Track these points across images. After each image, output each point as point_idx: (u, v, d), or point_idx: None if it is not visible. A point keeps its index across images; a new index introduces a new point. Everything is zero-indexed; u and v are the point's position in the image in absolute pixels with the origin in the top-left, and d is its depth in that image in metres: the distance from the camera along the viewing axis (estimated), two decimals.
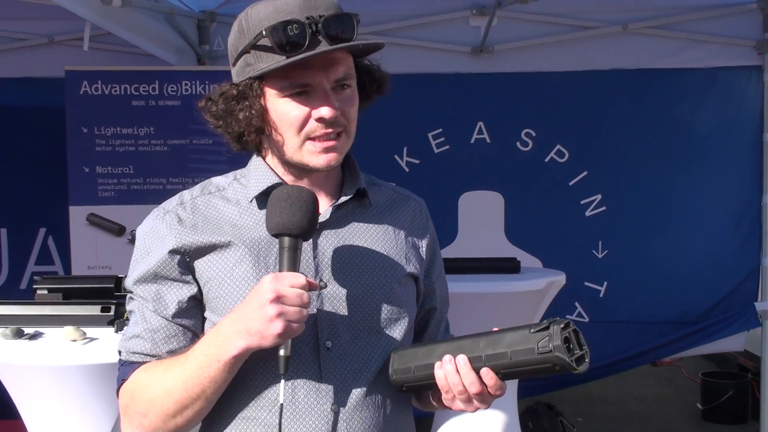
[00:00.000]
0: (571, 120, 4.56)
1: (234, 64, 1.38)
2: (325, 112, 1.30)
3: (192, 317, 1.37)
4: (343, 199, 1.41)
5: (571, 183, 4.58)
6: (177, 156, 4.12)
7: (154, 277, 1.36)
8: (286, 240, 1.26)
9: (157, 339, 1.35)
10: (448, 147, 4.59)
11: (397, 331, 1.40)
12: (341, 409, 1.33)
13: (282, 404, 1.28)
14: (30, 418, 2.40)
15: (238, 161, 1.49)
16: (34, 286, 2.72)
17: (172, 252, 1.35)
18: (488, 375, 1.24)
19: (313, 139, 1.33)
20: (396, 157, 4.59)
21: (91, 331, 2.42)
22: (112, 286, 2.66)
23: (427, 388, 1.34)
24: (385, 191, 1.51)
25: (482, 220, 4.58)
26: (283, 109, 1.32)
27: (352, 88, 1.36)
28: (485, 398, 1.27)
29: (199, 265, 1.36)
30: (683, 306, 4.61)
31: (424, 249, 1.50)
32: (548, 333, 1.19)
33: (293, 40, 1.26)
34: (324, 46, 1.27)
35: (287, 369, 1.25)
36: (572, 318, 4.58)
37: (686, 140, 4.56)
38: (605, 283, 4.60)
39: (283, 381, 1.26)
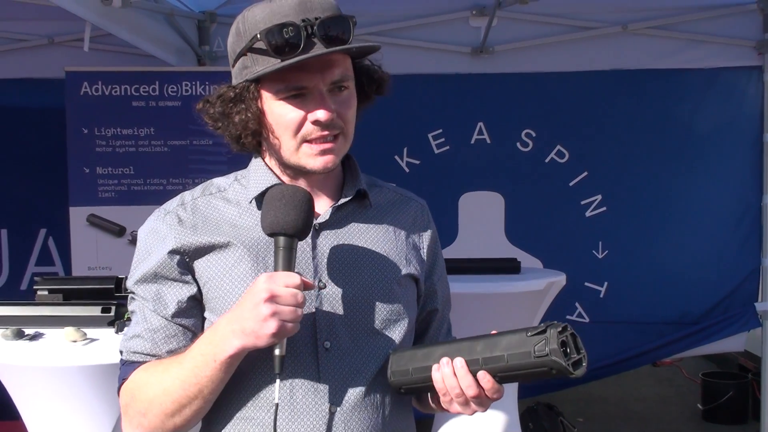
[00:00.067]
0: (571, 120, 4.56)
1: (233, 66, 1.38)
2: (321, 114, 1.30)
3: (192, 317, 1.38)
4: (343, 200, 1.41)
5: (571, 183, 4.58)
6: (177, 157, 4.12)
7: (155, 277, 1.37)
8: (281, 239, 1.26)
9: (157, 339, 1.36)
10: (448, 147, 4.59)
11: (397, 332, 1.40)
12: (339, 409, 1.33)
13: (277, 404, 1.28)
14: (30, 419, 2.40)
15: (239, 162, 1.49)
16: (35, 287, 2.72)
17: (172, 252, 1.36)
18: (485, 378, 1.24)
19: (309, 141, 1.33)
20: (396, 157, 4.59)
21: (91, 332, 2.42)
22: (113, 286, 2.66)
23: (426, 390, 1.34)
24: (386, 192, 1.51)
25: (482, 220, 4.58)
26: (279, 112, 1.32)
27: (350, 90, 1.35)
28: (483, 401, 1.27)
29: (199, 265, 1.37)
30: (683, 306, 4.61)
31: (425, 250, 1.50)
32: (545, 336, 1.18)
33: (288, 43, 1.27)
34: (319, 49, 1.27)
35: (282, 368, 1.25)
36: (572, 318, 4.59)
37: (686, 141, 4.56)
38: (605, 283, 4.60)
39: (278, 380, 1.26)
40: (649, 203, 4.57)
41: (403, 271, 1.42)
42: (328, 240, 1.39)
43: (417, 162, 4.60)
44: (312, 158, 1.34)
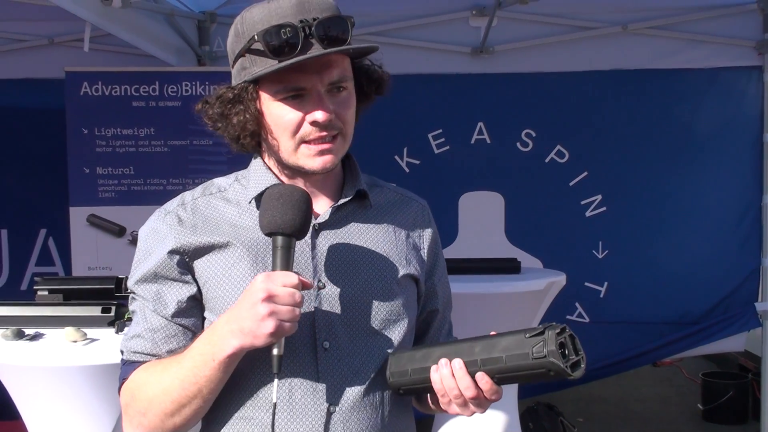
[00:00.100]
0: (571, 120, 4.56)
1: (233, 67, 1.38)
2: (319, 115, 1.30)
3: (191, 317, 1.38)
4: (343, 200, 1.41)
5: (571, 183, 4.58)
6: (177, 157, 4.12)
7: (155, 277, 1.37)
8: (279, 239, 1.26)
9: (157, 338, 1.36)
10: (448, 147, 4.59)
11: (396, 333, 1.39)
12: (338, 409, 1.33)
13: (275, 403, 1.28)
14: (30, 419, 2.40)
15: (239, 162, 1.49)
16: (35, 287, 2.72)
17: (172, 252, 1.36)
18: (483, 379, 1.24)
19: (307, 142, 1.33)
20: (396, 157, 4.59)
21: (91, 332, 2.42)
22: (113, 286, 2.66)
23: (425, 391, 1.34)
24: (387, 192, 1.51)
25: (482, 220, 4.58)
26: (277, 113, 1.33)
27: (348, 91, 1.35)
28: (481, 402, 1.27)
29: (199, 265, 1.37)
30: (684, 306, 4.61)
31: (425, 251, 1.50)
32: (543, 338, 1.18)
33: (285, 44, 1.27)
34: (317, 50, 1.27)
35: (280, 368, 1.25)
36: (572, 318, 4.59)
37: (686, 141, 4.56)
38: (605, 283, 4.60)
39: (276, 380, 1.27)
40: (649, 203, 4.57)
41: (403, 272, 1.42)
42: (327, 240, 1.39)
43: (417, 162, 4.60)
44: (310, 159, 1.34)
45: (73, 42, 4.32)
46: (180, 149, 4.12)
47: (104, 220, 4.08)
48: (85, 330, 2.40)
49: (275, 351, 1.24)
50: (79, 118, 4.06)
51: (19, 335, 2.40)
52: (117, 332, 2.44)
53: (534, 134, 4.56)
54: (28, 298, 2.87)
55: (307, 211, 1.28)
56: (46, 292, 2.68)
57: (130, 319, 2.44)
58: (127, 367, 1.38)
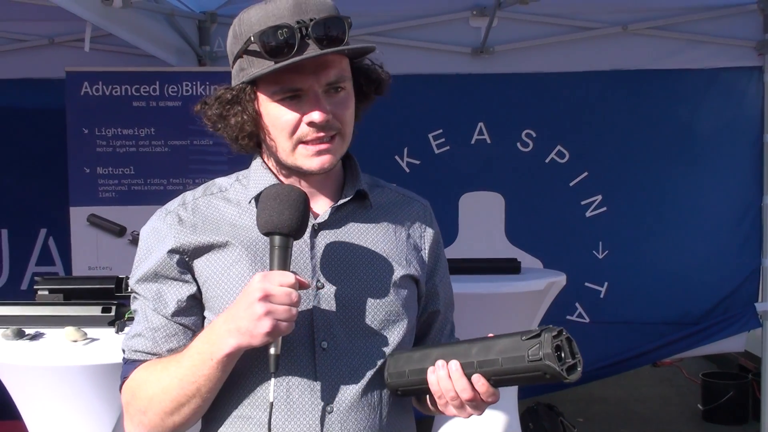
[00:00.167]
0: (571, 121, 4.56)
1: (232, 68, 1.39)
2: (316, 116, 1.30)
3: (191, 316, 1.38)
4: (343, 200, 1.41)
5: (571, 184, 4.58)
6: (178, 157, 4.12)
7: (155, 276, 1.38)
8: (277, 239, 1.26)
9: (158, 337, 1.37)
10: (448, 148, 4.59)
11: (395, 333, 1.39)
12: (336, 409, 1.33)
13: (272, 402, 1.28)
14: (31, 419, 2.40)
15: (239, 162, 1.50)
16: (35, 287, 2.72)
17: (171, 252, 1.37)
18: (479, 381, 1.24)
19: (305, 142, 1.33)
20: (396, 157, 4.59)
21: (91, 332, 2.42)
22: (113, 286, 2.66)
23: (422, 392, 1.34)
24: (388, 193, 1.52)
25: (483, 220, 4.58)
26: (275, 114, 1.33)
27: (347, 91, 1.35)
28: (478, 404, 1.27)
29: (198, 264, 1.38)
30: (684, 306, 4.61)
31: (426, 251, 1.49)
32: (539, 341, 1.18)
33: (281, 45, 1.27)
34: (313, 50, 1.27)
35: (277, 367, 1.25)
36: (572, 318, 4.59)
37: (687, 141, 4.56)
38: (606, 283, 4.60)
39: (273, 379, 1.27)
40: (649, 203, 4.57)
41: (403, 272, 1.42)
42: (326, 240, 1.39)
43: (417, 162, 4.60)
44: (308, 159, 1.34)
45: (74, 42, 4.32)
46: (180, 149, 4.13)
47: (104, 220, 4.08)
48: (86, 330, 2.40)
49: (272, 350, 1.24)
50: (80, 118, 4.06)
51: (20, 335, 2.41)
52: (117, 332, 2.44)
53: (534, 134, 4.56)
54: (28, 297, 2.87)
55: (305, 210, 1.28)
56: (46, 292, 2.68)
57: (130, 319, 2.45)
58: (129, 365, 1.39)
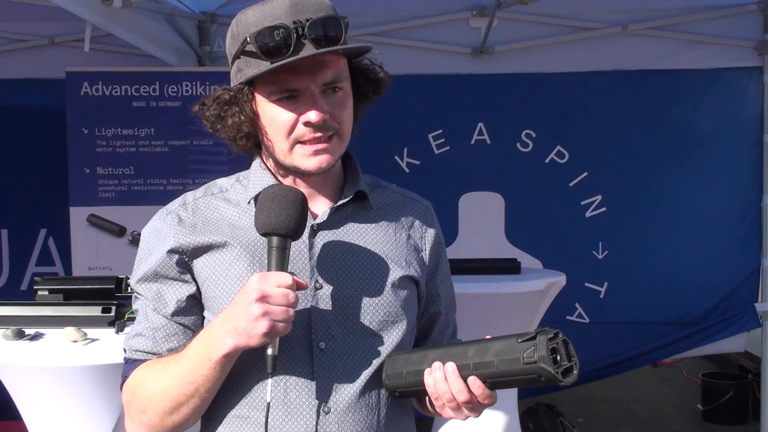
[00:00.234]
0: (571, 121, 4.56)
1: (231, 69, 1.39)
2: (312, 116, 1.30)
3: (191, 316, 1.39)
4: (342, 201, 1.41)
5: (571, 184, 4.58)
6: (177, 157, 4.12)
7: (155, 276, 1.38)
8: (274, 239, 1.26)
9: (158, 337, 1.37)
10: (448, 148, 4.59)
11: (394, 334, 1.39)
12: (334, 409, 1.33)
13: (269, 403, 1.28)
14: (31, 419, 2.40)
15: (239, 162, 1.50)
16: (35, 287, 2.72)
17: (171, 252, 1.37)
18: (475, 384, 1.24)
19: (302, 143, 1.33)
20: (396, 158, 4.59)
21: (91, 332, 2.42)
22: (113, 286, 2.66)
23: (420, 394, 1.34)
24: (389, 193, 1.51)
25: (482, 221, 4.58)
26: (272, 114, 1.33)
27: (344, 91, 1.35)
28: (475, 407, 1.27)
29: (197, 264, 1.38)
30: (683, 307, 4.61)
31: (427, 252, 1.49)
32: (534, 343, 1.17)
33: (277, 46, 1.27)
34: (309, 50, 1.27)
35: (275, 368, 1.25)
36: (572, 319, 4.59)
37: (686, 141, 4.56)
38: (605, 283, 4.60)
39: (270, 380, 1.27)
40: (649, 203, 4.57)
41: (402, 273, 1.42)
42: (325, 240, 1.39)
43: (417, 162, 4.60)
44: (306, 159, 1.34)
45: (74, 42, 4.32)
46: (180, 149, 4.13)
47: (104, 220, 4.08)
48: (86, 330, 2.40)
49: (269, 351, 1.25)
50: (80, 118, 4.06)
51: (20, 335, 2.40)
52: (117, 332, 2.44)
53: (534, 135, 4.56)
54: (28, 298, 2.87)
55: (303, 211, 1.28)
56: (46, 292, 2.68)
57: (130, 319, 2.45)
58: (129, 365, 1.40)
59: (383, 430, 1.38)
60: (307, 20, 1.28)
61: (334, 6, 1.34)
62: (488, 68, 4.50)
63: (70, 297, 2.66)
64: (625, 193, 4.58)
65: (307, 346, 1.34)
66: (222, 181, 1.48)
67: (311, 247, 1.38)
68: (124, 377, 1.40)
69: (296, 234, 1.28)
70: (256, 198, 1.39)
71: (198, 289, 1.38)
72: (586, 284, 4.59)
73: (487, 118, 4.57)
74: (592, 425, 5.25)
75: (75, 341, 2.36)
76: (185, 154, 4.13)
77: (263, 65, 1.28)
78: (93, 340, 2.39)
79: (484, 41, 4.42)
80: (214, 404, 1.35)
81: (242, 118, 1.34)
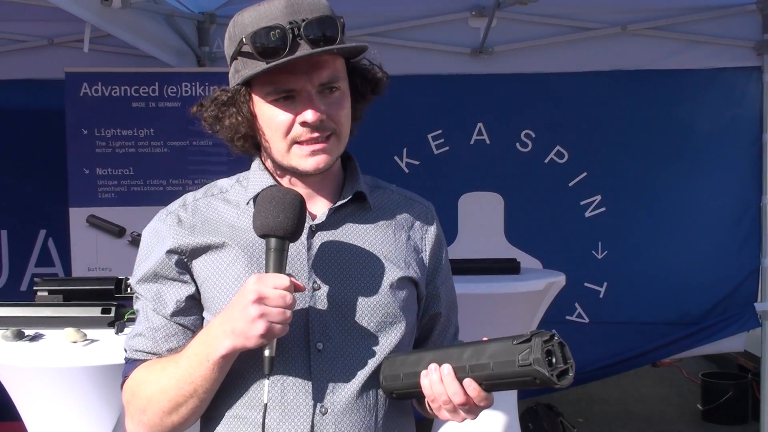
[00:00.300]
0: (570, 121, 4.56)
1: (229, 70, 1.39)
2: (309, 116, 1.30)
3: (190, 316, 1.39)
4: (341, 201, 1.41)
5: (570, 184, 4.58)
6: (177, 157, 4.12)
7: (155, 276, 1.38)
8: (272, 241, 1.27)
9: (158, 337, 1.38)
10: (447, 148, 4.59)
11: (392, 335, 1.39)
12: (331, 410, 1.33)
13: (266, 404, 1.28)
14: (31, 420, 2.40)
15: (239, 163, 1.50)
16: (35, 288, 2.72)
17: (170, 252, 1.37)
18: (471, 386, 1.23)
19: (300, 143, 1.33)
20: (396, 158, 4.59)
21: (91, 333, 2.42)
22: (113, 287, 2.66)
23: (417, 396, 1.33)
24: (389, 194, 1.51)
25: (482, 221, 4.58)
26: (269, 115, 1.33)
27: (341, 91, 1.35)
28: (471, 409, 1.26)
29: (196, 265, 1.38)
30: (683, 306, 4.61)
31: (426, 253, 1.49)
32: (529, 345, 1.17)
33: (272, 46, 1.27)
34: (305, 50, 1.27)
35: (272, 369, 1.26)
36: (572, 319, 4.59)
37: (686, 141, 4.56)
38: (605, 283, 4.60)
39: (267, 381, 1.27)
40: (649, 203, 4.57)
41: (401, 274, 1.42)
42: (323, 241, 1.39)
43: (416, 162, 4.60)
44: (303, 159, 1.35)
45: (73, 42, 4.33)
46: (180, 150, 4.13)
47: (104, 221, 4.08)
48: (85, 331, 2.40)
49: (267, 352, 1.25)
50: (79, 119, 4.06)
51: (19, 336, 2.40)
52: (117, 333, 2.44)
53: (533, 135, 4.56)
54: (27, 298, 2.87)
55: (301, 213, 1.28)
56: (45, 293, 2.68)
57: (130, 320, 2.45)
58: (129, 365, 1.40)
59: (382, 431, 1.38)
60: (303, 20, 1.28)
61: (333, 6, 1.34)
62: (487, 68, 4.51)
63: (70, 298, 2.66)
64: (624, 193, 4.58)
65: (305, 346, 1.34)
66: (222, 182, 1.48)
67: (309, 247, 1.38)
68: (125, 377, 1.40)
69: (294, 236, 1.28)
70: (255, 199, 1.39)
71: (197, 289, 1.39)
72: (586, 284, 4.59)
73: (486, 118, 4.57)
74: (592, 425, 5.25)
75: (75, 342, 2.35)
76: (185, 155, 4.13)
77: (259, 66, 1.29)
78: (93, 340, 2.39)
79: (483, 41, 4.42)
80: (213, 404, 1.35)
81: (239, 119, 1.35)
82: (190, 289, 1.38)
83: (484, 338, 1.26)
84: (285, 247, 1.27)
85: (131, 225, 4.04)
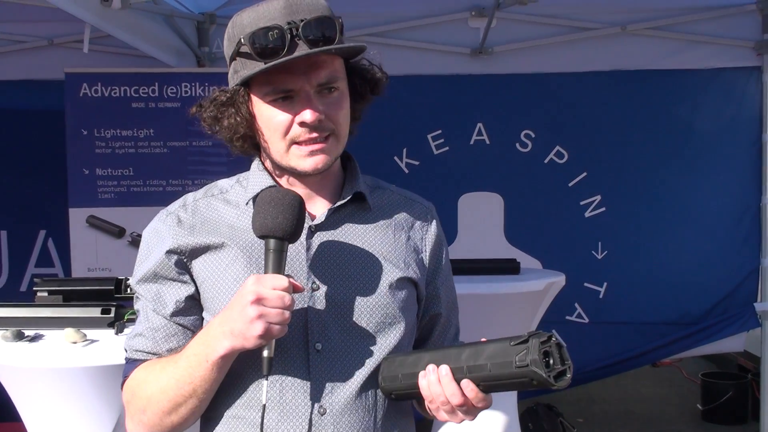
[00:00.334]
0: (570, 121, 4.57)
1: (228, 70, 1.39)
2: (307, 116, 1.30)
3: (190, 316, 1.39)
4: (340, 202, 1.41)
5: (570, 184, 4.58)
6: (177, 158, 4.12)
7: (154, 276, 1.39)
8: (271, 242, 1.27)
9: (158, 338, 1.38)
10: (447, 148, 4.59)
11: (391, 336, 1.39)
12: (329, 411, 1.33)
13: (264, 404, 1.28)
14: (30, 421, 2.40)
15: (239, 163, 1.50)
16: (35, 288, 2.72)
17: (170, 252, 1.38)
18: (469, 387, 1.23)
19: (298, 143, 1.33)
20: (396, 158, 4.59)
21: (91, 333, 2.42)
22: (113, 288, 2.66)
23: (415, 396, 1.33)
24: (389, 194, 1.51)
25: (482, 221, 4.58)
26: (267, 115, 1.33)
27: (340, 91, 1.35)
28: (469, 410, 1.26)
29: (196, 265, 1.38)
30: (683, 306, 4.61)
31: (426, 254, 1.49)
32: (527, 346, 1.16)
33: (270, 46, 1.27)
34: (303, 51, 1.27)
35: (270, 370, 1.26)
36: (572, 319, 4.59)
37: (686, 141, 4.56)
38: (605, 284, 4.61)
39: (266, 382, 1.27)
40: (649, 203, 4.58)
41: (401, 274, 1.42)
42: (322, 241, 1.39)
43: (416, 163, 4.60)
44: (302, 159, 1.35)
45: (73, 43, 4.33)
46: (179, 150, 4.13)
47: (104, 221, 4.08)
48: (85, 331, 2.40)
49: (265, 353, 1.25)
50: (79, 119, 4.07)
51: (19, 336, 2.40)
52: (117, 333, 2.44)
53: (533, 135, 4.56)
54: (27, 299, 2.87)
55: (300, 214, 1.28)
56: (45, 294, 2.68)
57: (130, 320, 2.45)
58: (130, 365, 1.41)
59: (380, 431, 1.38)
60: (302, 21, 1.28)
61: (333, 6, 1.34)
62: (487, 68, 4.51)
63: (70, 298, 2.66)
64: (624, 193, 4.58)
65: (304, 346, 1.34)
66: (223, 183, 1.48)
67: (309, 248, 1.38)
68: (125, 377, 1.40)
69: (293, 237, 1.28)
70: (254, 199, 1.39)
71: (197, 289, 1.39)
72: (586, 284, 4.59)
73: (486, 119, 4.57)
74: (592, 425, 5.25)
75: (74, 342, 2.35)
76: (184, 155, 4.13)
77: (258, 66, 1.29)
78: (92, 341, 2.39)
79: (483, 41, 4.42)
80: (212, 404, 1.35)
81: (238, 119, 1.35)
82: (189, 290, 1.38)
83: (483, 339, 1.26)
84: (284, 248, 1.27)
85: (131, 225, 4.04)
